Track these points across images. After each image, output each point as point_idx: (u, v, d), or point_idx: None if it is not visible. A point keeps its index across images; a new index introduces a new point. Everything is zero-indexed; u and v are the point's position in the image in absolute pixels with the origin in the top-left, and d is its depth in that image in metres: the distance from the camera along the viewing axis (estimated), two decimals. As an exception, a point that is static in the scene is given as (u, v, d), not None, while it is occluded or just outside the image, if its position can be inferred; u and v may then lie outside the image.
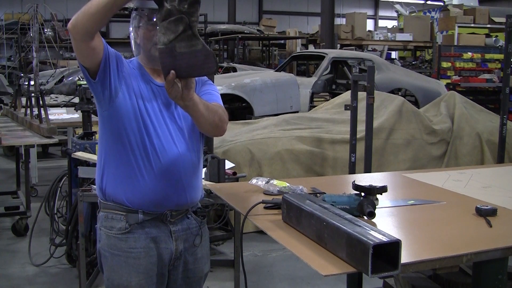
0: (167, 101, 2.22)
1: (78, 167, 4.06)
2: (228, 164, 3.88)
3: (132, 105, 2.16)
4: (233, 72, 10.80)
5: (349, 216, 1.81)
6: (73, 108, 5.61)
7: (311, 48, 15.37)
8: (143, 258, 2.20)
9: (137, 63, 2.28)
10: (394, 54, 19.26)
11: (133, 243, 2.20)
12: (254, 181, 2.59)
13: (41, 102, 5.51)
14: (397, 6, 19.36)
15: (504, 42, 5.58)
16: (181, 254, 2.30)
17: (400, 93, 9.60)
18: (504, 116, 5.42)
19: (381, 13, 30.42)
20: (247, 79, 8.41)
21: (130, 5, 2.16)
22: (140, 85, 2.21)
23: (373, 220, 2.07)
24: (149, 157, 2.17)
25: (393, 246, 1.60)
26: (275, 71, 10.37)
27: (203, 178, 3.58)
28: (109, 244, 2.22)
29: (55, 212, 4.75)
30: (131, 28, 2.22)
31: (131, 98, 2.16)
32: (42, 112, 5.38)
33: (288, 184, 2.48)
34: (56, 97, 9.26)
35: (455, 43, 13.73)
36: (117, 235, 2.20)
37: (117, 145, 2.18)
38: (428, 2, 22.32)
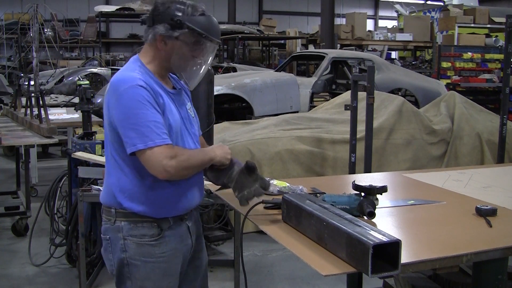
0: (182, 108, 2.27)
1: (78, 167, 4.06)
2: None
3: (173, 121, 2.16)
4: (233, 72, 10.80)
5: (349, 216, 1.81)
6: (73, 108, 5.62)
7: (311, 48, 15.37)
8: (171, 260, 2.21)
9: (148, 71, 2.18)
10: (394, 54, 19.26)
11: (164, 247, 2.18)
12: (254, 181, 2.58)
13: (41, 102, 5.51)
14: (397, 6, 19.37)
15: (504, 42, 5.58)
16: (194, 246, 2.36)
17: (400, 93, 9.60)
18: (504, 116, 5.42)
19: (381, 13, 30.42)
20: (247, 79, 8.40)
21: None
22: (165, 96, 2.18)
23: (373, 220, 2.07)
24: None
25: (393, 246, 1.60)
26: (275, 71, 10.36)
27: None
28: (141, 253, 2.16)
29: (55, 212, 4.75)
30: (172, 36, 2.12)
31: (169, 115, 2.16)
32: (42, 112, 5.38)
33: (288, 184, 2.49)
34: (56, 97, 9.26)
35: (455, 43, 13.74)
36: (150, 242, 2.16)
37: None
38: (428, 2, 22.32)
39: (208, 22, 2.14)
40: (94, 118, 6.32)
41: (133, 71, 2.13)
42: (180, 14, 2.11)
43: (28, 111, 5.85)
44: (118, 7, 16.13)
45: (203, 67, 2.22)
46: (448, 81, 11.94)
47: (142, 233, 2.15)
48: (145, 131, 2.02)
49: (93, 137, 4.31)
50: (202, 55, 2.18)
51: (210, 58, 2.23)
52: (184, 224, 2.26)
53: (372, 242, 1.55)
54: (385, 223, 2.09)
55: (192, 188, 2.23)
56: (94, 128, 5.37)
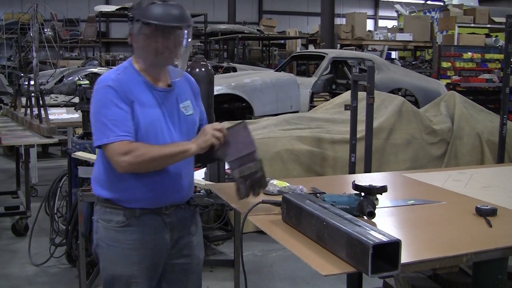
0: (168, 105, 2.29)
1: (78, 167, 4.06)
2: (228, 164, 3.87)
3: (142, 117, 2.21)
4: (233, 72, 10.80)
5: (349, 216, 1.81)
6: (73, 108, 5.62)
7: (311, 48, 15.36)
8: (138, 249, 2.28)
9: (134, 70, 2.28)
10: (394, 54, 19.26)
11: (130, 235, 2.27)
12: (254, 181, 2.58)
13: (41, 102, 5.51)
14: (397, 6, 19.36)
15: (504, 42, 5.58)
16: (176, 243, 2.38)
17: (400, 93, 9.59)
18: (504, 116, 5.41)
19: (381, 13, 30.42)
20: (247, 79, 8.40)
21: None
22: (142, 94, 2.24)
23: (373, 220, 2.07)
24: None
25: (393, 246, 1.60)
26: (275, 71, 10.36)
27: (203, 178, 3.59)
28: (107, 236, 2.29)
29: (55, 212, 4.74)
30: (134, 33, 2.22)
31: (140, 111, 2.21)
32: (42, 112, 5.38)
33: (288, 184, 2.49)
34: (56, 97, 9.25)
35: (455, 43, 13.73)
36: (114, 228, 2.27)
37: None
38: (428, 2, 22.29)
39: (159, 9, 2.16)
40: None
41: (117, 70, 2.28)
42: (135, 10, 2.21)
43: (28, 111, 5.85)
44: (118, 7, 16.12)
45: (177, 56, 2.24)
46: (448, 81, 11.93)
47: (109, 218, 2.28)
48: (103, 129, 2.17)
49: (93, 137, 4.30)
50: (166, 44, 2.19)
51: (179, 46, 2.22)
52: (159, 218, 2.31)
53: (372, 242, 1.55)
54: (385, 223, 2.08)
55: (167, 186, 2.28)
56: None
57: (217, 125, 2.23)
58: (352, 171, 4.84)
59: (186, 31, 2.22)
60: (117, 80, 2.21)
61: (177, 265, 2.41)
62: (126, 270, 2.28)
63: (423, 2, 22.57)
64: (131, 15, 2.21)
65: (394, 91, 9.15)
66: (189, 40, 2.26)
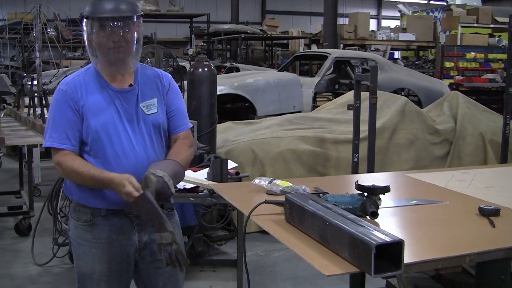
0: (127, 104, 2.30)
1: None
2: (231, 164, 3.88)
3: (93, 121, 2.24)
4: (236, 72, 10.80)
5: (352, 216, 1.81)
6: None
7: (314, 48, 15.34)
8: (106, 248, 2.32)
9: (94, 70, 2.31)
10: (397, 54, 19.24)
11: (97, 234, 2.32)
12: (257, 181, 2.58)
13: (44, 102, 5.52)
14: (400, 6, 19.35)
15: (507, 42, 5.57)
16: (146, 245, 2.39)
17: (403, 93, 9.58)
18: (507, 116, 5.40)
19: (384, 13, 30.36)
20: (250, 79, 8.40)
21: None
22: (96, 96, 2.26)
23: (376, 220, 2.06)
24: (111, 163, 2.25)
25: (396, 246, 1.59)
26: (278, 71, 10.36)
27: (205, 178, 3.59)
28: (76, 234, 2.36)
29: (58, 211, 4.75)
30: (85, 35, 2.24)
31: (91, 115, 2.24)
32: (45, 111, 5.38)
33: (291, 184, 2.48)
34: (59, 97, 9.24)
35: (458, 43, 13.72)
36: (83, 226, 2.33)
37: (81, 153, 2.28)
38: (431, 2, 22.27)
39: (100, 3, 2.19)
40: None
41: (79, 71, 2.32)
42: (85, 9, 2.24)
43: (31, 111, 5.86)
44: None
45: (126, 49, 2.24)
46: (451, 81, 11.92)
47: (78, 217, 2.37)
48: (47, 130, 2.27)
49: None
50: (111, 38, 2.19)
51: (125, 38, 2.21)
52: (126, 219, 2.34)
53: (375, 242, 1.55)
54: (388, 223, 2.08)
55: None
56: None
57: (135, 182, 2.17)
58: (355, 171, 4.84)
59: (130, 22, 2.21)
60: (72, 83, 2.26)
61: (152, 269, 2.40)
62: (96, 268, 2.32)
63: (426, 2, 22.55)
64: (80, 16, 2.24)
65: (397, 91, 9.14)
66: (136, 32, 2.24)
